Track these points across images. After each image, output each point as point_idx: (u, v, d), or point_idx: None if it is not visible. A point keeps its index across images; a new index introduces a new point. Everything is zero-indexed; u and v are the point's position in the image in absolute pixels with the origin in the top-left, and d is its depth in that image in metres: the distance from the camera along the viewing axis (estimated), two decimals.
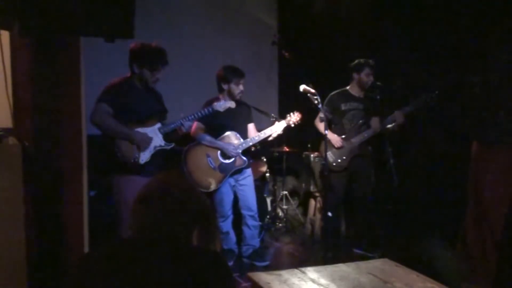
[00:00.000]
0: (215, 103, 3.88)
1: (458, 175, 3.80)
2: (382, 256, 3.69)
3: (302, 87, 4.27)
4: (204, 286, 1.36)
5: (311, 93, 4.24)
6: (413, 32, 4.64)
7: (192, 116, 3.73)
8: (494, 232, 3.25)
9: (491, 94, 3.32)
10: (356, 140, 4.48)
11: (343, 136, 4.51)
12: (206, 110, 3.83)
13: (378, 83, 4.31)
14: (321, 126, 4.43)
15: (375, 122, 4.47)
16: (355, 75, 4.54)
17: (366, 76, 4.46)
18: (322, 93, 4.28)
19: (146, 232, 1.47)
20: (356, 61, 4.53)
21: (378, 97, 4.33)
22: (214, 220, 1.64)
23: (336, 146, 4.48)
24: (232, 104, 3.94)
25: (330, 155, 4.48)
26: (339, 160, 4.48)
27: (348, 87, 4.59)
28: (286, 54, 5.49)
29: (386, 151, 4.08)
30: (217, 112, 3.94)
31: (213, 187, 4.15)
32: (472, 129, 3.47)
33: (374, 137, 4.52)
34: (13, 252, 2.29)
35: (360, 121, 4.49)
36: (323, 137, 4.08)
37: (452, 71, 4.20)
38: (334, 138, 4.50)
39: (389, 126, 4.38)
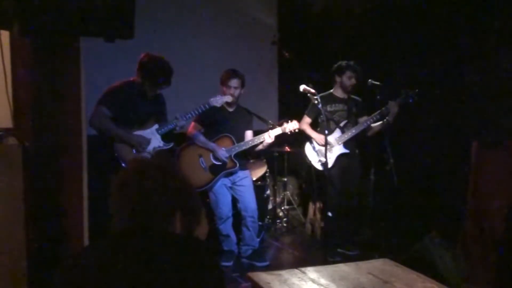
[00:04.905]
0: (211, 99, 3.90)
1: (458, 175, 3.80)
2: (381, 256, 3.68)
3: (302, 87, 4.26)
4: (195, 277, 1.32)
5: (311, 93, 4.24)
6: (413, 32, 4.64)
7: (189, 115, 3.76)
8: (494, 231, 3.25)
9: (491, 94, 3.32)
10: (340, 138, 4.47)
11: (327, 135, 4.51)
12: (202, 106, 3.85)
13: (377, 82, 4.27)
14: (307, 128, 4.55)
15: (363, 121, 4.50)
16: (337, 78, 4.54)
17: (348, 79, 4.46)
18: (322, 93, 4.28)
19: (131, 221, 1.40)
20: (338, 64, 4.52)
21: (378, 97, 4.31)
22: (196, 199, 1.55)
23: (320, 144, 4.46)
24: (228, 99, 3.97)
25: (315, 156, 4.52)
26: (324, 160, 4.46)
27: (332, 90, 4.59)
28: (286, 54, 5.49)
29: (386, 151, 4.07)
30: (216, 112, 3.95)
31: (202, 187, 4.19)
32: (472, 129, 3.47)
33: (374, 137, 4.51)
34: (13, 251, 2.29)
35: (345, 121, 4.50)
36: (307, 138, 4.43)
37: (452, 71, 4.20)
38: (318, 136, 4.50)
39: (378, 123, 4.37)
